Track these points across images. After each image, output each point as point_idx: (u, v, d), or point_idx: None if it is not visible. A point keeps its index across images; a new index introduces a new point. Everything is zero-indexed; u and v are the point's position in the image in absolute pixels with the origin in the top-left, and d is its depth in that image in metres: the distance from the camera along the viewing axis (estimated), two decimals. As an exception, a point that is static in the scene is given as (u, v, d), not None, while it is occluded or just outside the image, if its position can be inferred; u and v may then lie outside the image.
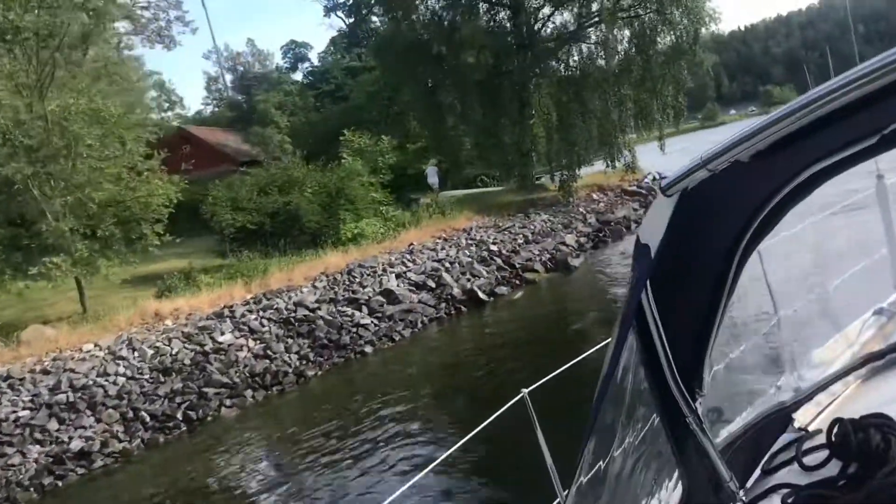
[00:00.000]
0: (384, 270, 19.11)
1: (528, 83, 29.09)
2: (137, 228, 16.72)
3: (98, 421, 12.70)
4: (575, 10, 30.99)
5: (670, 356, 1.63)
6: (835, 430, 1.67)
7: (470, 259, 20.68)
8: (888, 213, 3.14)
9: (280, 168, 22.78)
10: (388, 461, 10.07)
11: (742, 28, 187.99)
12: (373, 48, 34.07)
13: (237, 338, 15.61)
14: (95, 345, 14.81)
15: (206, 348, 15.00)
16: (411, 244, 21.63)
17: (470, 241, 22.42)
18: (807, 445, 1.84)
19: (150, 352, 14.69)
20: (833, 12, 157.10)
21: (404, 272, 19.20)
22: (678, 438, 1.68)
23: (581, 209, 28.29)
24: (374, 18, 39.92)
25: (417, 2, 28.48)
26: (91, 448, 12.00)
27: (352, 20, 54.12)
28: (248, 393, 14.03)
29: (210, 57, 65.98)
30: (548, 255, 21.97)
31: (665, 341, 1.61)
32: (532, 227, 24.86)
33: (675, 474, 1.77)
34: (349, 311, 17.04)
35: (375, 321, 16.93)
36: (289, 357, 15.29)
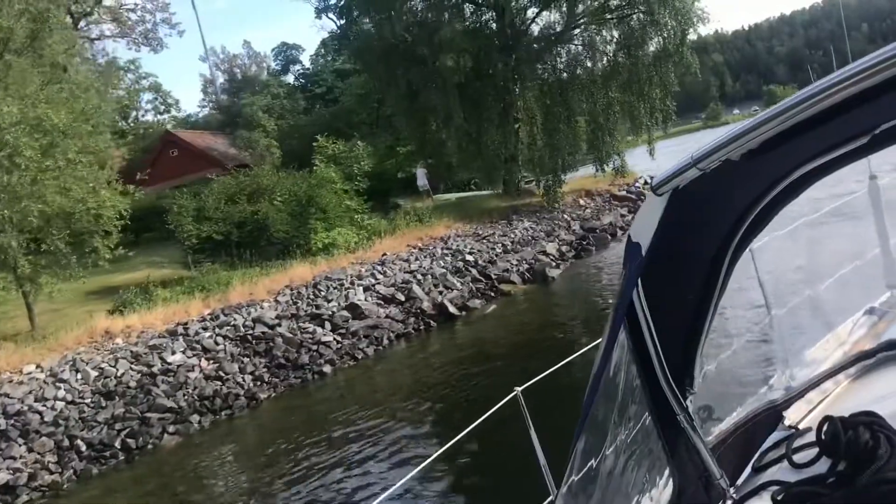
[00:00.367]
0: (352, 283, 18.32)
1: (512, 86, 28.30)
2: (89, 242, 15.92)
3: (30, 450, 11.90)
4: (563, 8, 30.13)
5: (661, 354, 1.64)
6: (824, 428, 1.67)
7: (444, 270, 19.87)
8: (880, 213, 3.18)
9: (249, 175, 22.00)
10: (342, 494, 9.31)
11: (746, 27, 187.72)
12: (354, 50, 33.23)
13: (189, 357, 14.84)
14: (37, 366, 14.00)
15: (154, 369, 14.22)
16: (384, 254, 20.84)
17: (446, 251, 21.62)
18: (797, 443, 1.86)
19: (94, 374, 13.91)
20: (836, 11, 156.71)
21: (373, 285, 18.40)
22: (669, 436, 1.69)
23: (566, 216, 27.46)
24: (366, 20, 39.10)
25: (399, 2, 27.66)
26: (17, 481, 11.22)
27: (343, 22, 53.52)
28: (195, 418, 13.26)
29: (206, 59, 65.43)
30: (526, 266, 21.16)
31: (656, 339, 1.62)
32: (512, 236, 24.05)
33: (667, 471, 1.77)
34: (311, 327, 16.27)
35: (338, 338, 16.15)
36: (242, 378, 14.52)
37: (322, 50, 56.09)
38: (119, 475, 11.80)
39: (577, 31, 29.94)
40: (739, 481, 1.90)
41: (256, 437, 12.75)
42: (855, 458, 1.57)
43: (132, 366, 14.29)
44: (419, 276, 19.23)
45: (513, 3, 29.51)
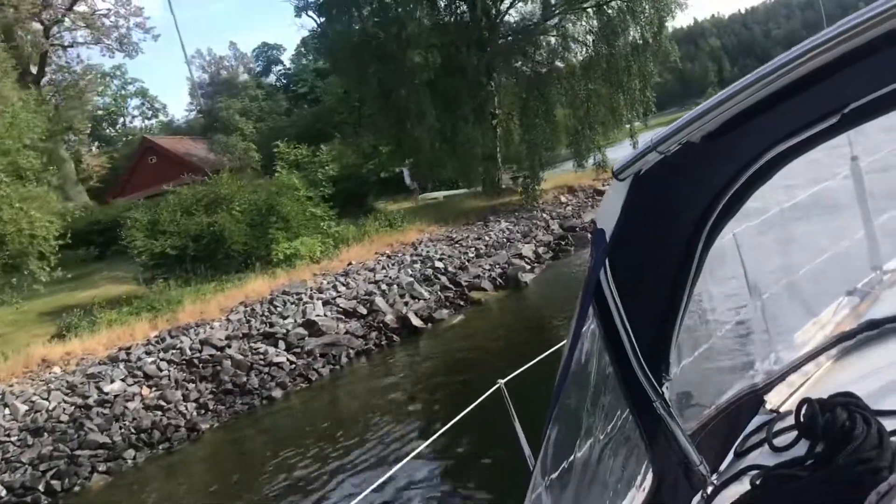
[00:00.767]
0: (311, 297, 17.34)
1: (486, 81, 27.25)
2: (24, 264, 14.97)
3: (-56, 499, 11.01)
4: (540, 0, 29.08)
5: (634, 341, 1.64)
6: (803, 410, 1.69)
7: (411, 279, 18.89)
8: (863, 194, 3.14)
9: (207, 185, 21.00)
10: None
11: (742, 11, 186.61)
12: (324, 48, 32.20)
13: (129, 386, 13.89)
14: (-35, 401, 13.12)
15: (90, 401, 13.29)
16: (350, 263, 19.88)
17: (415, 258, 20.64)
18: (777, 427, 1.87)
19: (24, 408, 12.99)
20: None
21: (334, 298, 17.42)
22: (646, 424, 1.68)
23: (545, 214, 26.42)
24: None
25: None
26: (-76, 536, 10.32)
27: (323, 20, 52.43)
28: (129, 454, 12.30)
29: (193, 62, 64.60)
30: (499, 270, 20.14)
31: (628, 326, 1.62)
32: (487, 238, 23.05)
33: (646, 460, 1.78)
34: (263, 347, 15.30)
35: (292, 358, 15.19)
36: (185, 407, 13.56)
37: (303, 49, 55.10)
38: (39, 523, 10.87)
39: (553, 21, 28.84)
40: (722, 466, 1.89)
41: (192, 475, 11.79)
42: (832, 439, 1.57)
43: (66, 398, 13.35)
44: (384, 287, 18.26)
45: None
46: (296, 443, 11.68)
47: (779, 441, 1.78)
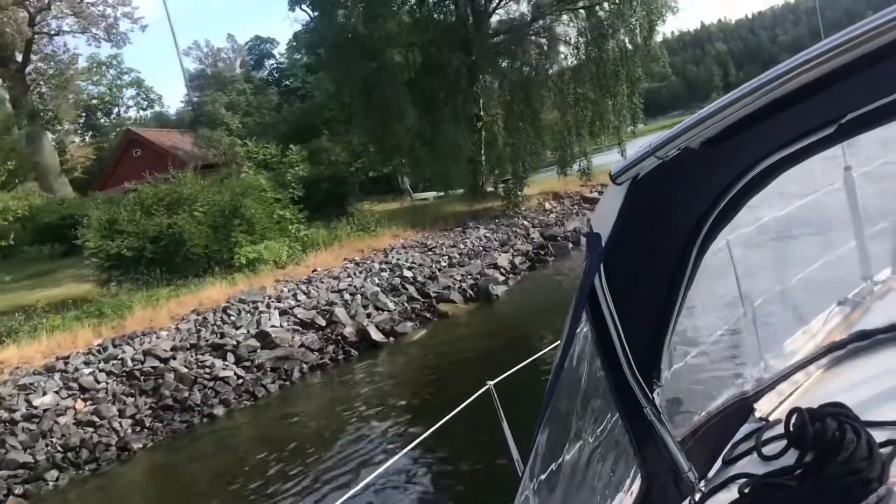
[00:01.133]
0: (268, 306, 16.53)
1: (468, 83, 26.39)
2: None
3: None
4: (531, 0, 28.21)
5: (626, 346, 1.63)
6: (792, 419, 1.69)
7: (377, 288, 18.08)
8: (855, 203, 3.16)
9: (170, 184, 20.16)
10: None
11: (749, 16, 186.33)
12: (306, 44, 31.38)
13: (63, 399, 13.07)
14: None
15: (17, 415, 12.46)
16: (315, 270, 19.06)
17: (384, 265, 19.82)
18: (767, 435, 1.88)
19: (-57, 422, 12.19)
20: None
21: (292, 308, 16.61)
22: (636, 429, 1.68)
23: (526, 222, 25.57)
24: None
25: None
26: None
27: (317, 14, 51.50)
28: (52, 475, 11.49)
29: (190, 53, 63.80)
30: (471, 282, 19.33)
31: (621, 331, 1.60)
32: (463, 246, 22.22)
33: (634, 465, 1.78)
34: (210, 360, 14.49)
35: (240, 372, 14.38)
36: (120, 423, 12.75)
37: (294, 44, 54.16)
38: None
39: (542, 22, 27.96)
40: (710, 474, 1.91)
41: (114, 501, 10.99)
42: (822, 449, 1.58)
43: (-10, 412, 12.54)
44: (347, 297, 17.44)
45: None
46: (233, 467, 10.91)
47: (768, 449, 1.80)
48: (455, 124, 25.36)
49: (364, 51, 26.15)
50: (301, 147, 36.50)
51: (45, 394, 13.01)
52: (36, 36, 42.71)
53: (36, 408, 12.65)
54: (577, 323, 1.60)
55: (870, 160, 3.50)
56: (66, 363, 13.95)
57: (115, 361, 14.12)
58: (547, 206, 28.21)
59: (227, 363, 14.50)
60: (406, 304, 17.77)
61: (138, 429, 12.76)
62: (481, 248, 22.17)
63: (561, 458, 1.87)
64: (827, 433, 1.58)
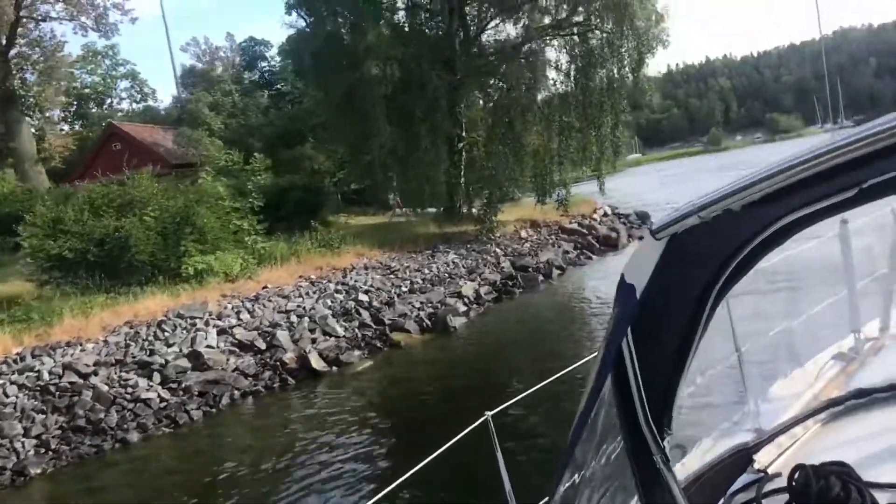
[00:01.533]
0: (207, 323, 15.60)
1: (451, 103, 25.63)
2: None
3: None
4: (523, 23, 27.53)
5: (644, 396, 1.63)
6: (796, 475, 1.71)
7: (328, 311, 17.18)
8: (849, 256, 3.26)
9: (123, 185, 19.28)
10: None
11: (755, 54, 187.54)
12: (285, 47, 30.73)
13: (-36, 412, 12.11)
14: None
15: None
16: (265, 286, 18.16)
17: (340, 287, 18.94)
18: (767, 488, 1.93)
19: None
20: (846, 44, 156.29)
21: (232, 327, 15.68)
22: (644, 476, 1.68)
23: (498, 249, 24.76)
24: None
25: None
26: None
27: (312, 20, 50.84)
28: (-67, 500, 10.53)
29: (188, 49, 63.14)
30: (429, 310, 18.45)
31: (640, 380, 1.62)
32: (428, 271, 21.37)
33: None
34: (134, 378, 13.54)
35: (165, 394, 13.44)
36: (22, 443, 11.78)
37: (286, 47, 53.42)
38: None
39: (532, 45, 27.28)
40: None
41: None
42: None
43: None
44: (294, 319, 16.54)
45: (467, 7, 26.96)
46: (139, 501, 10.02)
47: (768, 502, 1.84)
48: (432, 143, 24.55)
49: (347, 61, 25.44)
50: (285, 153, 35.76)
51: (-55, 406, 12.05)
52: (24, 20, 41.92)
53: (-69, 422, 11.69)
54: (606, 372, 1.59)
55: (865, 213, 3.46)
56: (-25, 372, 12.98)
57: (30, 374, 13.15)
58: (523, 234, 27.45)
59: (151, 383, 13.56)
60: (357, 330, 16.88)
61: (42, 451, 11.78)
62: (447, 275, 21.32)
63: (577, 501, 1.88)
64: (831, 492, 1.59)
